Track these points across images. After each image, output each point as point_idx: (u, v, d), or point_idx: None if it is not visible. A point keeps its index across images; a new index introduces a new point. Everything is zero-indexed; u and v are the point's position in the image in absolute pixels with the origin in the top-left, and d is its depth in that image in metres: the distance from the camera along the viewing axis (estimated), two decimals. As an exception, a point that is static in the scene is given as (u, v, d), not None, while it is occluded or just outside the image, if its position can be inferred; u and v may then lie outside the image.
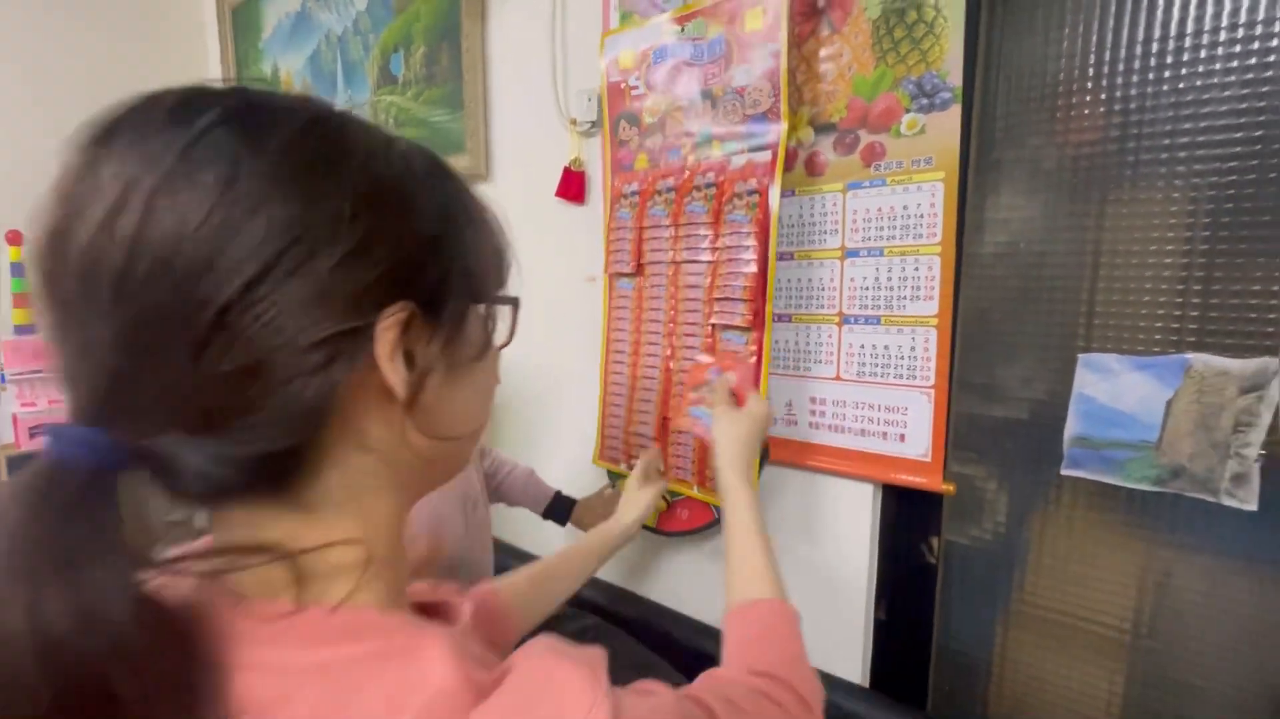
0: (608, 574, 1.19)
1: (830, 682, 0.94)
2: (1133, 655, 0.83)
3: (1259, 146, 0.70)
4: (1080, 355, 0.81)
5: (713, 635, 1.00)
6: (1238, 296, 0.72)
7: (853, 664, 0.94)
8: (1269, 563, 0.74)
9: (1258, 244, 0.71)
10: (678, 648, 1.01)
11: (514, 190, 1.29)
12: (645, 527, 1.06)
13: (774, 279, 0.88)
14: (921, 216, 0.81)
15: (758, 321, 0.90)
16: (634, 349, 1.05)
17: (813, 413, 0.92)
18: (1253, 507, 0.73)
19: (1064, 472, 0.83)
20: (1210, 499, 0.75)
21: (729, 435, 0.74)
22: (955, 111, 0.77)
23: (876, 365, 0.86)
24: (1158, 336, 0.77)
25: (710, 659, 0.98)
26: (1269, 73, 0.68)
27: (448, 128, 1.35)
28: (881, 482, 0.88)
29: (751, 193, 0.89)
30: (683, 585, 1.10)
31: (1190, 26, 0.72)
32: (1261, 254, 0.71)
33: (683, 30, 0.95)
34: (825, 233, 0.89)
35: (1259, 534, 0.74)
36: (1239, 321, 0.73)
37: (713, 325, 0.94)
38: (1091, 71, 0.78)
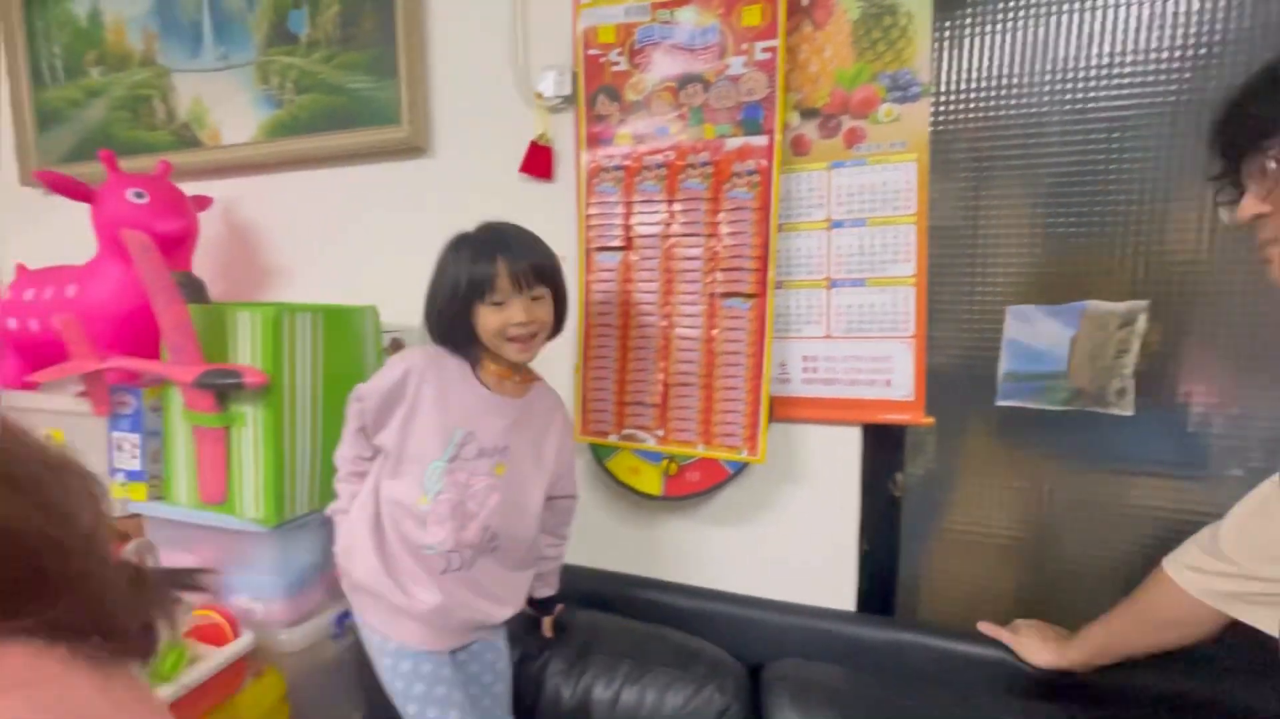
0: (598, 561, 1.17)
1: (827, 614, 1.04)
2: (1050, 550, 1.05)
3: (1101, 164, 0.95)
4: (1008, 307, 1.01)
5: (727, 599, 1.05)
6: (1112, 257, 0.97)
7: (848, 594, 1.06)
8: (1141, 458, 0.99)
9: (1116, 223, 0.96)
10: (690, 616, 1.04)
11: (462, 166, 1.21)
12: (649, 495, 1.07)
13: (775, 250, 0.97)
14: (898, 192, 0.95)
15: (761, 288, 0.97)
16: (622, 321, 1.06)
17: (805, 369, 1.02)
18: (1130, 412, 0.97)
19: (999, 403, 1.02)
20: (1101, 410, 0.99)
21: None
22: (925, 103, 0.92)
23: (862, 322, 0.99)
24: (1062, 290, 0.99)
25: (730, 622, 1.02)
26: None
27: (372, 96, 1.23)
28: (872, 423, 1.01)
29: (751, 173, 0.97)
30: (688, 557, 1.12)
31: (1067, 62, 0.95)
32: (1123, 227, 0.96)
33: (671, 15, 1.00)
34: (811, 206, 1.00)
35: (1135, 435, 0.99)
36: (1115, 274, 0.97)
37: (712, 294, 1.00)
38: (1000, 86, 0.98)
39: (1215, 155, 0.65)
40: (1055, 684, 0.88)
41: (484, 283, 0.80)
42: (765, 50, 0.95)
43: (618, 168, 1.05)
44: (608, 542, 1.15)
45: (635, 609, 1.05)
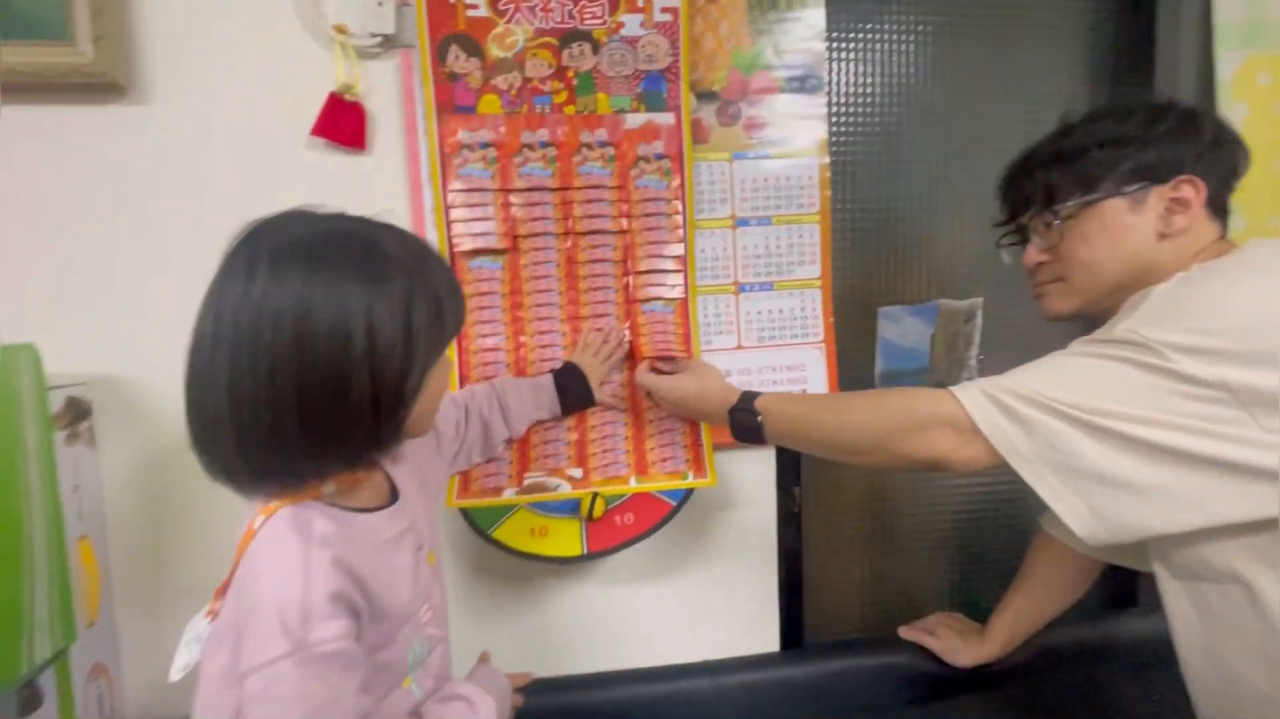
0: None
1: (758, 661, 0.92)
2: (925, 540, 1.11)
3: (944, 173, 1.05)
4: (879, 308, 1.03)
5: (661, 676, 0.86)
6: (955, 258, 1.07)
7: (771, 632, 0.95)
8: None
9: (958, 226, 1.06)
10: (625, 707, 0.81)
11: (197, 120, 0.79)
12: (566, 559, 0.81)
13: (693, 247, 0.82)
14: (802, 188, 0.89)
15: (685, 291, 0.82)
16: (514, 344, 0.80)
17: (721, 386, 0.89)
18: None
19: (878, 401, 1.04)
20: (954, 399, 1.07)
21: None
22: (822, 97, 0.88)
23: (774, 328, 0.90)
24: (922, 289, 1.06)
25: (669, 702, 0.83)
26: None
27: (3, -10, 0.72)
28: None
29: (660, 156, 0.81)
30: (610, 632, 0.88)
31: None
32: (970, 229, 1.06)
33: (546, -49, 0.78)
34: (715, 201, 0.88)
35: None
36: (959, 274, 1.07)
37: (629, 300, 0.81)
38: (872, 90, 1.01)
39: (1003, 206, 0.75)
40: (981, 674, 0.90)
41: (459, 322, 0.54)
42: (665, 10, 0.80)
43: (486, 144, 0.78)
44: (503, 640, 0.84)
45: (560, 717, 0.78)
